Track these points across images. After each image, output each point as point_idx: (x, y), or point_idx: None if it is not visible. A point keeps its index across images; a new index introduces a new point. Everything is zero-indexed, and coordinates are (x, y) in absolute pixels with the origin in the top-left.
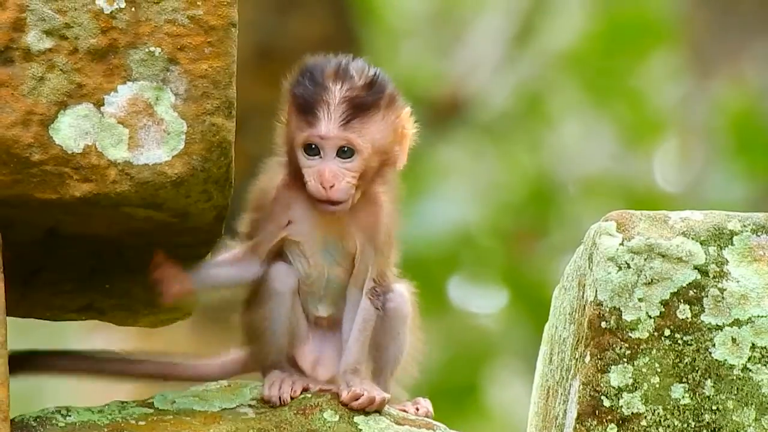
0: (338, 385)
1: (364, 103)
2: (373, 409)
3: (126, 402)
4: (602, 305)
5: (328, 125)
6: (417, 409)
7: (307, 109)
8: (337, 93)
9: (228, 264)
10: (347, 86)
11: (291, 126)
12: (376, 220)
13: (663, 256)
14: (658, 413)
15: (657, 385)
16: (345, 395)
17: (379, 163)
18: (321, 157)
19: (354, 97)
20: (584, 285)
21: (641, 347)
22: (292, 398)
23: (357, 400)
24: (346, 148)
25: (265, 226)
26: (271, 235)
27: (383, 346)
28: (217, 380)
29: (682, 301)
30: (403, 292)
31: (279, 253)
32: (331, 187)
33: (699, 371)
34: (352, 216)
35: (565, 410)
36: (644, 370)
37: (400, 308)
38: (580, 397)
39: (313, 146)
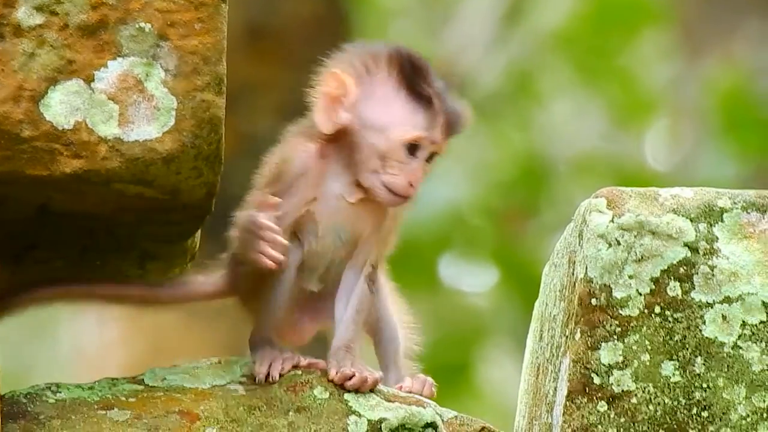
0: (329, 361)
1: (457, 124)
2: (366, 389)
3: (116, 379)
4: (592, 282)
5: (440, 134)
6: (411, 385)
7: (426, 109)
8: (447, 105)
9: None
10: (452, 101)
11: (382, 112)
12: (385, 215)
13: (653, 233)
14: (649, 391)
15: (647, 363)
16: (333, 373)
17: None
18: (417, 158)
19: (453, 115)
20: (574, 262)
21: (631, 324)
22: (280, 375)
23: (349, 380)
24: (435, 156)
25: (289, 200)
26: (295, 209)
27: (378, 335)
28: (206, 300)
29: (672, 278)
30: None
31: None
32: (412, 186)
33: (689, 349)
34: (368, 204)
35: (555, 388)
36: (634, 347)
37: (381, 287)
38: (570, 374)
39: (417, 146)
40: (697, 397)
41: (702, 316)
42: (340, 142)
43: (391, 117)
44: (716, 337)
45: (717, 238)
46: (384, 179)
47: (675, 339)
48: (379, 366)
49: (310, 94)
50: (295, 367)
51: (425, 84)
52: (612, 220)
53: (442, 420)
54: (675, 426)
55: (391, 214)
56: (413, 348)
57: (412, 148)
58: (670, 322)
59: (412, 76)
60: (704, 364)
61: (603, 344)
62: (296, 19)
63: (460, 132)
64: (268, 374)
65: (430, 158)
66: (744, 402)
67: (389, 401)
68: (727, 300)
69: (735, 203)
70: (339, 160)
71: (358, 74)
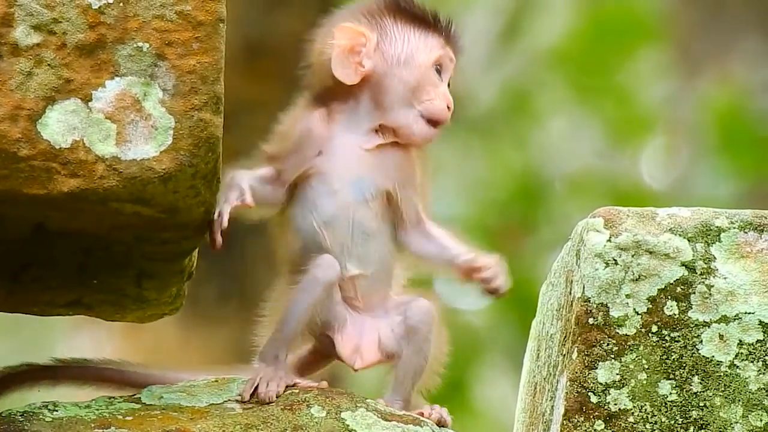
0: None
1: (460, 41)
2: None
3: (113, 397)
4: (589, 301)
5: (452, 51)
6: (430, 414)
7: (434, 31)
8: (447, 25)
9: (265, 182)
10: (447, 21)
11: (402, 46)
12: (411, 162)
13: (650, 253)
14: (646, 410)
15: (644, 382)
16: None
17: None
18: (443, 80)
19: (455, 33)
20: (572, 281)
21: (628, 343)
22: (277, 397)
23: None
24: (450, 79)
25: (291, 157)
26: (295, 165)
27: (405, 359)
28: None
29: (669, 297)
30: (424, 306)
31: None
32: (449, 109)
33: (686, 368)
34: (388, 152)
35: (552, 406)
36: (631, 366)
37: (422, 323)
38: (567, 393)
39: (441, 67)
40: (694, 416)
41: (699, 336)
42: (355, 94)
43: (412, 47)
44: (713, 357)
45: (714, 258)
46: (422, 108)
47: (672, 358)
48: (391, 383)
49: (314, 56)
50: (290, 386)
51: (422, 11)
52: (609, 240)
53: None
54: None
55: (418, 162)
56: (428, 389)
57: (438, 69)
58: (667, 341)
59: (410, 8)
60: (701, 383)
61: (600, 363)
62: (293, 37)
63: (463, 49)
64: (265, 394)
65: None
66: (741, 421)
67: (386, 420)
68: (724, 319)
69: (732, 223)
70: (352, 114)
71: (369, 22)
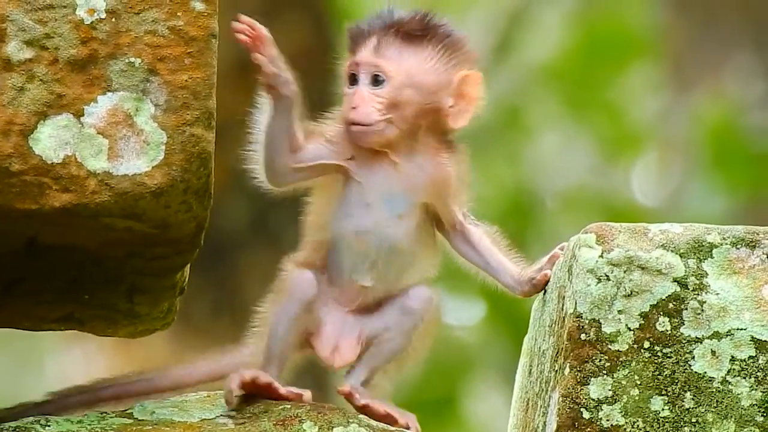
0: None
1: (408, 34)
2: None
3: (105, 412)
4: (582, 317)
5: (363, 52)
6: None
7: (352, 41)
8: (381, 24)
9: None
10: (395, 18)
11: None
12: (445, 175)
13: (642, 269)
14: (638, 425)
15: (636, 398)
16: None
17: (420, 105)
18: (357, 84)
19: (398, 29)
20: (564, 297)
21: (621, 359)
22: (253, 381)
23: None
24: (379, 77)
25: (325, 144)
26: (327, 149)
27: (387, 336)
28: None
29: (661, 313)
30: (425, 293)
31: (340, 194)
32: (354, 108)
33: (678, 384)
34: (418, 170)
35: (544, 422)
36: (624, 382)
37: (418, 307)
38: (559, 409)
39: (354, 75)
40: None
41: (691, 352)
42: None
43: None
44: (705, 372)
45: (706, 274)
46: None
47: (664, 374)
48: (359, 358)
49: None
50: (268, 389)
51: (357, 25)
52: (601, 256)
53: None
54: None
55: (452, 179)
56: (397, 377)
57: (351, 80)
58: (659, 357)
59: (352, 31)
60: (693, 399)
61: (592, 379)
62: (286, 52)
63: (413, 42)
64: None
65: (376, 82)
66: None
67: None
68: (717, 335)
69: (724, 239)
70: None
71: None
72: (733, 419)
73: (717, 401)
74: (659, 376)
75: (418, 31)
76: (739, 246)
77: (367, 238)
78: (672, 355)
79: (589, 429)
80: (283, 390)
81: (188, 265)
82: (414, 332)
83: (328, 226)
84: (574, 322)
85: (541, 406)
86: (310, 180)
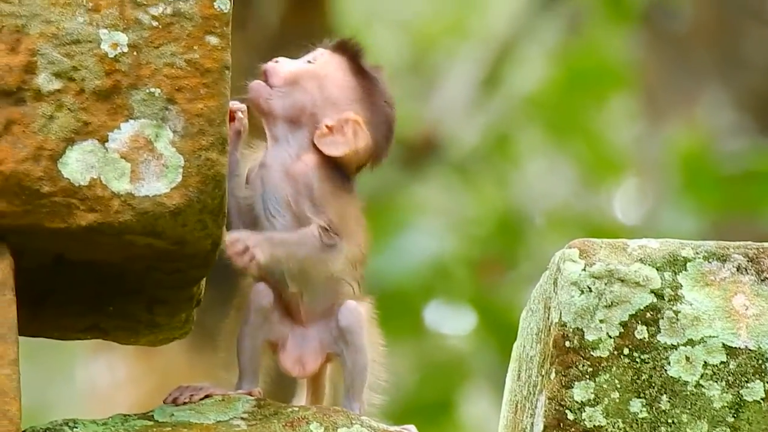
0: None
1: (351, 54)
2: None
3: (128, 415)
4: (566, 326)
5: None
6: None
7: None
8: (336, 41)
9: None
10: (348, 39)
11: None
12: (307, 174)
13: (622, 281)
14: (618, 426)
15: (617, 400)
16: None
17: (310, 102)
18: None
19: (346, 47)
20: (549, 307)
21: (602, 365)
22: (185, 403)
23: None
24: (310, 60)
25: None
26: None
27: (348, 362)
28: None
29: (639, 322)
30: (353, 308)
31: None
32: (277, 62)
33: (656, 387)
34: (284, 167)
35: (532, 423)
36: (605, 386)
37: (352, 324)
38: (546, 411)
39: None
40: None
41: (667, 357)
42: None
43: None
44: (680, 377)
45: (681, 286)
46: None
47: (642, 378)
48: (343, 392)
49: None
50: (208, 396)
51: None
52: (584, 269)
53: None
54: None
55: (312, 177)
56: (380, 383)
57: None
58: (637, 362)
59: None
60: (669, 402)
61: (576, 383)
62: None
63: (343, 52)
64: (175, 398)
65: (306, 61)
66: None
67: None
68: (691, 342)
69: (697, 253)
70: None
71: None
72: (706, 420)
73: (691, 403)
74: (638, 380)
75: (357, 57)
76: (711, 260)
77: (265, 236)
78: (649, 360)
79: (573, 429)
80: (217, 390)
81: (204, 279)
82: (360, 344)
83: None
84: (559, 330)
85: (529, 408)
86: None
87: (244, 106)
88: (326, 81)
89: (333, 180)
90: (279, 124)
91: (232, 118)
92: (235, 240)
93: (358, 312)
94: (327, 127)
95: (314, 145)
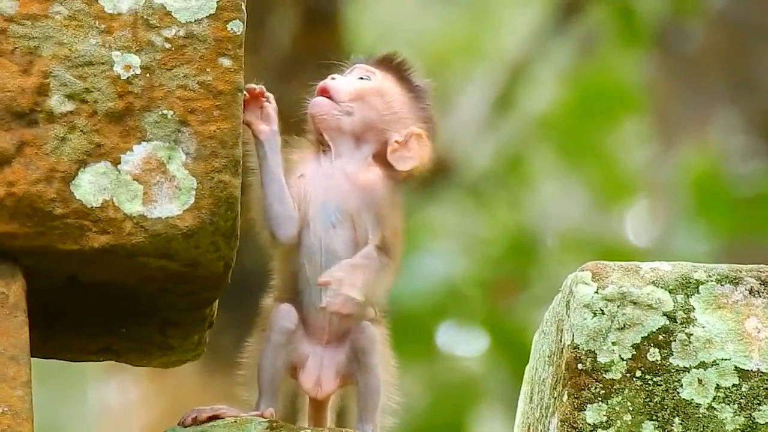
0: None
1: (399, 70)
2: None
3: None
4: (578, 348)
5: (359, 64)
6: None
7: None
8: (379, 58)
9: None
10: (392, 55)
11: None
12: (375, 186)
13: (634, 304)
14: None
15: (629, 423)
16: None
17: (376, 119)
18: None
19: (392, 62)
20: (562, 330)
21: (614, 387)
22: (198, 423)
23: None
24: (364, 77)
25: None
26: (293, 182)
27: (361, 384)
28: None
29: (652, 344)
30: (367, 329)
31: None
32: (334, 79)
33: (668, 410)
34: (350, 178)
35: None
36: (617, 408)
37: (366, 345)
38: None
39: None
40: None
41: (680, 380)
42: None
43: None
44: (693, 399)
45: (693, 308)
46: None
47: (655, 401)
48: (356, 413)
49: None
50: (217, 417)
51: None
52: (597, 292)
53: None
54: None
55: (381, 191)
56: (392, 405)
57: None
58: (650, 385)
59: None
60: (681, 424)
61: (588, 405)
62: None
63: (393, 69)
64: (184, 420)
65: (360, 78)
66: None
67: None
68: (703, 365)
69: (710, 276)
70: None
71: None
72: None
73: (703, 426)
74: (650, 403)
75: (407, 73)
76: (723, 282)
77: (313, 254)
78: (662, 383)
79: None
80: (230, 411)
81: (217, 301)
82: (373, 365)
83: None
84: (571, 353)
85: (541, 430)
86: None
87: (263, 87)
88: (389, 97)
89: (393, 195)
90: (344, 138)
91: (255, 96)
92: (334, 296)
93: (372, 333)
94: (397, 142)
95: (377, 160)
